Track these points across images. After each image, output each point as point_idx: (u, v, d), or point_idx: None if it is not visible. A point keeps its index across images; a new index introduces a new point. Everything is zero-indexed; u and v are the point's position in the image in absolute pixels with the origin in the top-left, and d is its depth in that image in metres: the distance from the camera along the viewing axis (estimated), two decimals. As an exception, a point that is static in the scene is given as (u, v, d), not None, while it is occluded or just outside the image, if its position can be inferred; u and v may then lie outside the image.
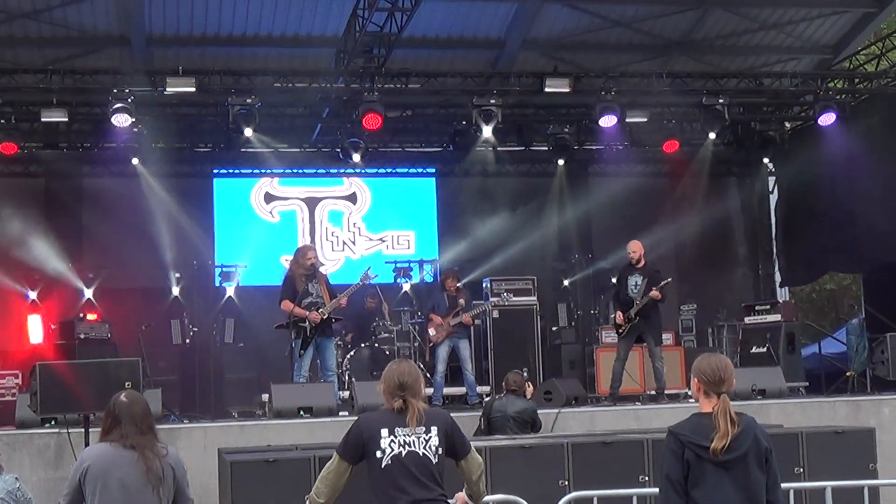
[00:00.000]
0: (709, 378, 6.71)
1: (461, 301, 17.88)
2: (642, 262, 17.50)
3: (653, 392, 17.71)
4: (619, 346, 17.55)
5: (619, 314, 17.37)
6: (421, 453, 7.14)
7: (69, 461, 12.40)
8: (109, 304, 21.12)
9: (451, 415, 7.64)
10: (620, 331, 17.40)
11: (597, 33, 22.30)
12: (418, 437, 7.17)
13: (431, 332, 17.87)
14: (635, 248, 17.53)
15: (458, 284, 18.32)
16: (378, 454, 7.11)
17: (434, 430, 7.23)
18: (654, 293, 17.04)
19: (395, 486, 7.06)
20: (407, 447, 7.13)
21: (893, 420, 14.81)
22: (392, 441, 7.13)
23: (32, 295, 21.31)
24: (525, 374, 15.15)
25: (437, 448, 7.20)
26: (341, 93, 20.22)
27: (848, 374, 19.95)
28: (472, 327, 18.38)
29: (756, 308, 20.91)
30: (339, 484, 7.29)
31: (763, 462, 6.68)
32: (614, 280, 22.74)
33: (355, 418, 7.77)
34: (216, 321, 21.46)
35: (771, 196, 25.50)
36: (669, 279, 17.50)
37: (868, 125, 21.77)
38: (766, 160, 24.76)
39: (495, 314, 19.83)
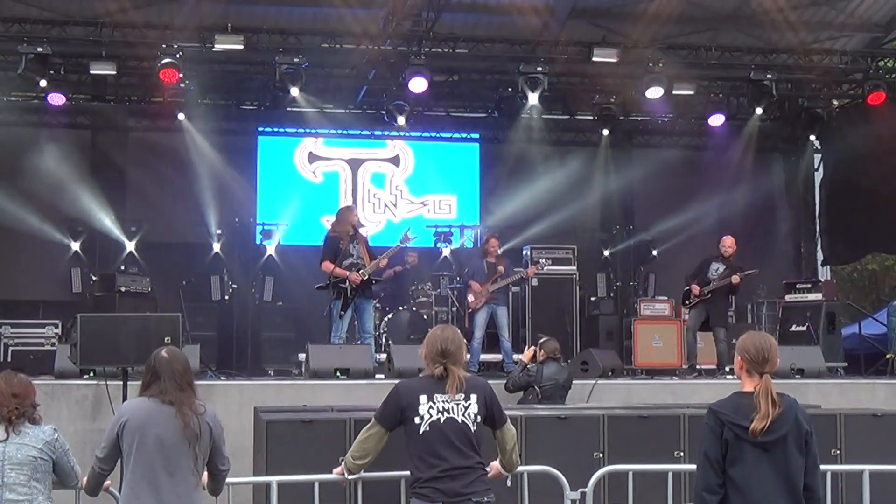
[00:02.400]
0: (752, 357, 6.66)
1: (500, 268, 17.88)
2: (730, 255, 18.05)
3: (704, 365, 17.96)
4: (690, 317, 18.23)
5: (696, 287, 17.83)
6: (460, 420, 7.15)
7: (106, 413, 12.46)
8: (150, 258, 21.24)
9: (490, 382, 7.64)
10: (688, 302, 18.01)
11: (646, 4, 22.10)
12: (457, 405, 7.18)
13: (470, 298, 17.88)
14: (731, 245, 18.10)
15: (498, 252, 18.30)
16: (416, 420, 7.13)
17: (473, 398, 7.24)
18: (736, 278, 17.64)
19: (432, 453, 7.08)
20: (446, 414, 7.14)
21: (932, 404, 14.72)
22: (431, 407, 7.14)
23: (75, 246, 21.47)
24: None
25: (475, 416, 7.21)
26: (388, 55, 20.19)
27: (888, 356, 19.83)
28: (510, 295, 18.47)
29: (797, 286, 20.84)
30: (377, 449, 7.32)
31: (803, 444, 6.61)
32: (656, 252, 22.91)
33: (392, 382, 7.78)
34: (255, 279, 21.54)
35: (816, 174, 25.35)
36: (757, 270, 17.79)
37: (916, 105, 21.62)
38: (812, 137, 24.61)
39: (534, 282, 19.76)
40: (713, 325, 17.88)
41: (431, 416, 7.12)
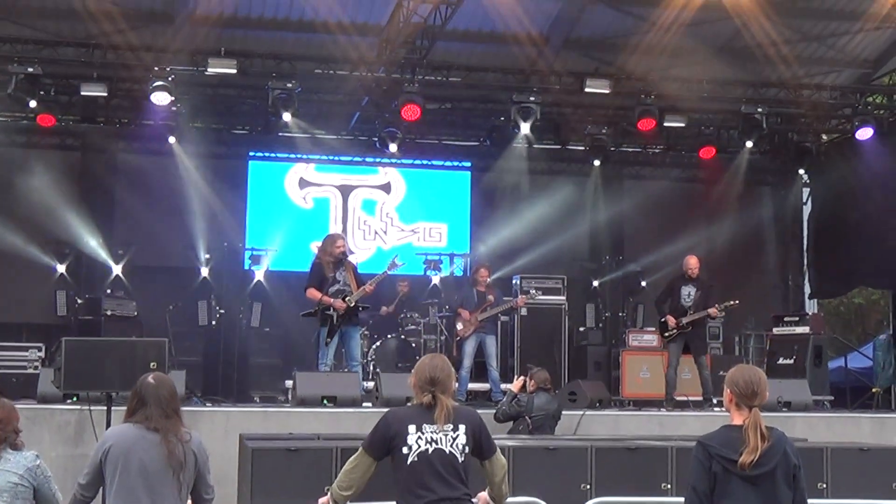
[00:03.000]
0: (742, 390, 6.66)
1: (490, 297, 17.88)
2: (697, 274, 17.75)
3: (691, 397, 17.75)
4: (669, 354, 17.74)
5: (672, 318, 17.51)
6: (448, 451, 7.11)
7: (89, 439, 12.40)
8: (137, 282, 21.18)
9: (479, 412, 7.61)
10: (667, 335, 17.62)
11: (639, 36, 22.19)
12: (446, 435, 7.13)
13: (459, 326, 17.86)
14: (695, 265, 17.80)
15: (488, 281, 18.30)
16: (404, 450, 7.08)
17: (462, 428, 7.20)
18: (714, 311, 17.47)
19: (420, 484, 7.03)
20: (434, 444, 7.10)
21: (918, 440, 14.73)
22: (419, 438, 7.09)
23: (61, 268, 21.39)
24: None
25: (463, 447, 7.17)
26: (382, 82, 20.22)
27: (874, 390, 19.87)
28: (498, 324, 18.46)
29: (785, 319, 20.91)
30: (364, 478, 7.27)
31: (791, 478, 6.62)
32: (644, 283, 22.87)
33: (380, 410, 7.74)
34: (243, 304, 21.47)
35: (804, 207, 25.44)
36: (737, 301, 17.66)
37: (903, 141, 21.74)
38: (801, 171, 24.74)
39: (523, 311, 19.76)
40: (695, 353, 17.65)
41: (420, 446, 7.07)
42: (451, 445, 7.14)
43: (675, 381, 17.56)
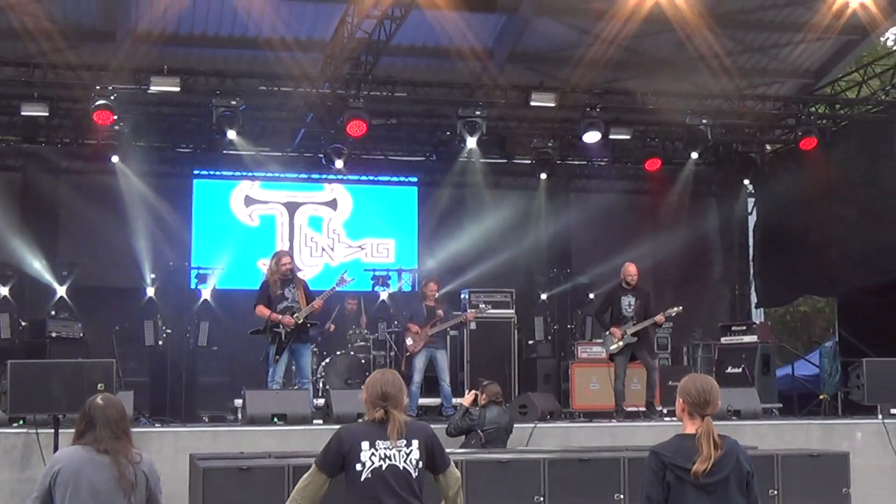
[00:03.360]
0: (694, 399, 6.66)
1: (439, 312, 17.85)
2: (636, 283, 17.68)
3: (641, 408, 17.65)
4: (616, 366, 17.53)
5: (617, 330, 17.35)
6: (401, 467, 7.05)
7: (37, 463, 12.25)
8: (82, 303, 20.97)
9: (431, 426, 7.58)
10: (614, 347, 17.40)
11: (583, 49, 22.27)
12: (399, 451, 7.08)
13: (409, 341, 17.81)
14: (634, 272, 17.70)
15: (437, 294, 18.28)
16: (358, 467, 7.02)
17: (415, 443, 7.15)
18: (661, 318, 17.39)
19: (374, 500, 6.97)
20: (388, 460, 7.04)
21: (866, 444, 14.80)
22: (373, 454, 7.03)
23: (4, 290, 21.10)
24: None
25: (417, 461, 7.12)
26: (326, 98, 20.17)
27: (821, 396, 19.99)
28: (447, 339, 18.43)
29: (733, 328, 21.00)
30: (317, 496, 7.20)
31: (744, 486, 6.64)
32: (592, 295, 22.89)
33: (331, 427, 7.68)
34: (190, 324, 21.30)
35: (750, 217, 25.60)
36: (681, 307, 17.62)
37: (846, 150, 21.98)
38: (746, 182, 24.91)
39: (472, 325, 19.75)
40: (644, 360, 17.53)
41: (373, 462, 7.02)
42: (405, 461, 7.08)
43: (624, 392, 17.50)
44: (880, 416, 14.90)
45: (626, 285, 17.65)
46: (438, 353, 17.70)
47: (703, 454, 6.50)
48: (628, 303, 17.48)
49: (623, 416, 17.16)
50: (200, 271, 22.11)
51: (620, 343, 17.31)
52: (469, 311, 18.98)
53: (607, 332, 17.53)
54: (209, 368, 20.61)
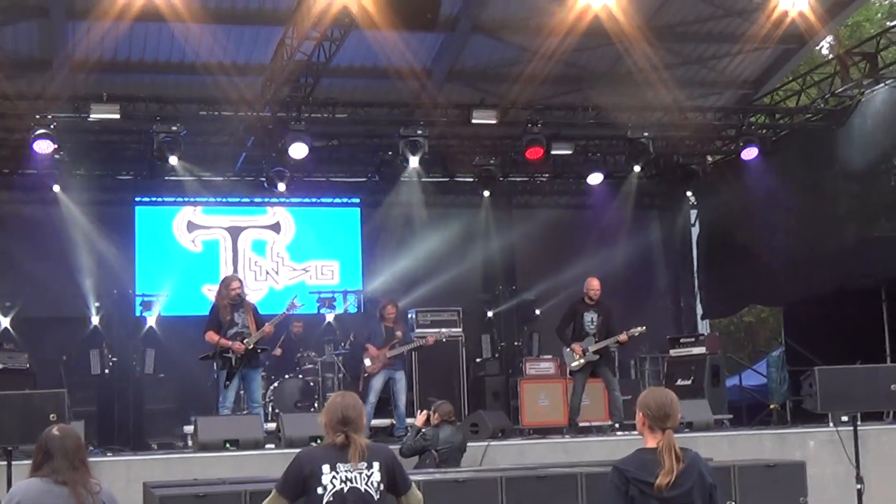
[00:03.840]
0: (654, 413, 6.66)
1: (398, 333, 17.81)
2: (599, 298, 17.56)
3: (609, 423, 17.61)
4: (575, 381, 17.45)
5: (579, 347, 17.23)
6: (363, 490, 7.02)
7: (-10, 498, 12.09)
8: (27, 334, 20.72)
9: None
10: (575, 364, 17.30)
11: (522, 65, 22.33)
12: (360, 473, 7.05)
13: (367, 362, 17.73)
14: (597, 287, 17.55)
15: (395, 316, 18.21)
16: (319, 490, 6.97)
17: (376, 465, 7.12)
18: (624, 337, 17.35)
19: (337, 524, 6.95)
20: (349, 483, 7.00)
21: (819, 453, 14.87)
22: (334, 477, 6.99)
23: (-54, 323, 20.90)
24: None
25: (378, 484, 7.09)
26: (267, 122, 20.11)
27: (772, 406, 20.09)
28: (404, 360, 18.38)
29: (681, 341, 21.07)
30: (278, 522, 7.15)
31: (707, 498, 6.67)
32: (538, 311, 22.92)
33: (284, 452, 7.62)
34: (136, 351, 21.12)
35: (693, 229, 25.71)
36: (644, 329, 17.59)
37: (787, 159, 22.13)
38: (688, 193, 25.03)
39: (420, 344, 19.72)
40: (606, 376, 17.50)
41: (335, 486, 6.98)
42: (367, 483, 7.05)
43: (580, 407, 17.47)
44: (831, 424, 14.97)
45: (589, 300, 17.53)
46: (397, 375, 17.67)
47: (666, 467, 6.50)
48: (591, 319, 17.39)
49: (575, 432, 17.14)
50: (145, 298, 21.96)
51: (581, 360, 17.22)
52: (430, 334, 18.88)
53: (568, 349, 17.40)
54: (156, 396, 20.43)
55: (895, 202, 20.01)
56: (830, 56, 27.22)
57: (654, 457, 6.58)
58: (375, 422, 17.89)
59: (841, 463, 13.70)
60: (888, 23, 29.19)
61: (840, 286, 20.27)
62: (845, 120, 21.12)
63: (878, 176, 20.38)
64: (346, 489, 6.99)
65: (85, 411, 18.68)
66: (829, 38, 30.81)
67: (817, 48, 29.32)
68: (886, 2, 35.70)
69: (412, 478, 7.67)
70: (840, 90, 20.75)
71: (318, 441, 12.09)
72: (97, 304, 21.38)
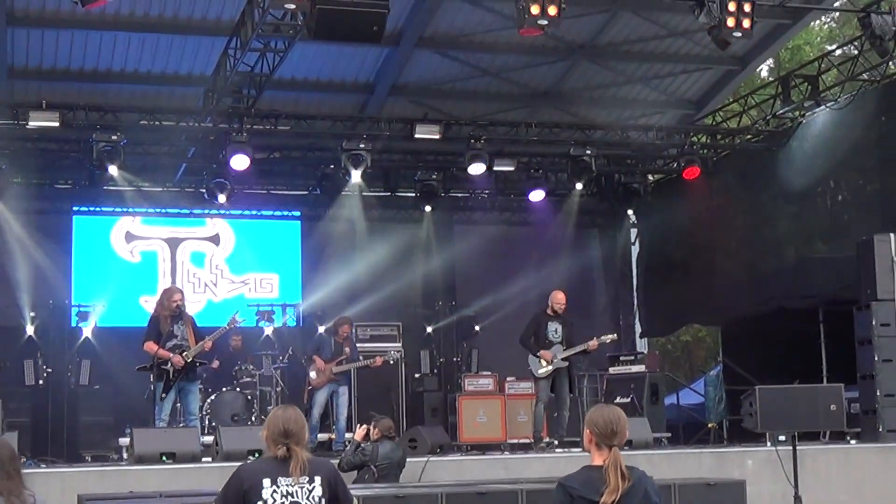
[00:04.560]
0: (601, 430, 6.61)
1: (347, 349, 17.72)
2: (563, 310, 17.38)
3: (550, 440, 17.45)
4: (540, 389, 17.13)
5: (546, 353, 16.93)
6: (304, 504, 6.94)
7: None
8: (-40, 344, 20.51)
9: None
10: (542, 371, 16.99)
11: (465, 81, 22.39)
12: (301, 488, 6.95)
13: (313, 374, 17.61)
14: (563, 301, 17.40)
15: (350, 331, 18.13)
16: (259, 504, 6.89)
17: (318, 479, 7.02)
18: (594, 344, 17.26)
19: (278, 538, 6.86)
20: (289, 498, 6.91)
21: (757, 472, 14.87)
22: (274, 491, 6.89)
23: None
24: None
25: (320, 499, 7.00)
26: (209, 132, 20.00)
27: (709, 425, 20.14)
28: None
29: (621, 358, 21.09)
30: (218, 535, 7.05)
31: (652, 517, 6.61)
32: (477, 328, 22.91)
33: (220, 465, 7.51)
34: (71, 362, 20.93)
35: (633, 247, 25.79)
36: (616, 336, 17.51)
37: (727, 180, 22.33)
38: (629, 212, 25.09)
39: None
40: (560, 390, 17.08)
41: (275, 500, 6.87)
42: (308, 498, 6.96)
43: (543, 417, 17.23)
44: (769, 443, 15.02)
45: (552, 312, 17.35)
46: (340, 389, 17.58)
47: (611, 485, 6.45)
48: (555, 329, 17.18)
49: (545, 447, 16.90)
50: (81, 309, 21.77)
51: (550, 367, 16.92)
52: (378, 355, 18.73)
53: (536, 355, 17.02)
54: (91, 407, 20.27)
55: (832, 224, 20.18)
56: (771, 78, 27.47)
57: (600, 474, 6.52)
58: (320, 436, 17.80)
59: (779, 482, 13.76)
60: (828, 47, 29.46)
61: (778, 306, 20.38)
62: (785, 142, 21.31)
63: (816, 198, 20.56)
64: (286, 503, 6.90)
65: (18, 422, 18.46)
66: (770, 62, 31.11)
67: (758, 70, 29.56)
68: (826, 26, 36.03)
69: (355, 492, 7.61)
70: (780, 112, 20.91)
71: (257, 455, 12.00)
72: (32, 314, 21.16)
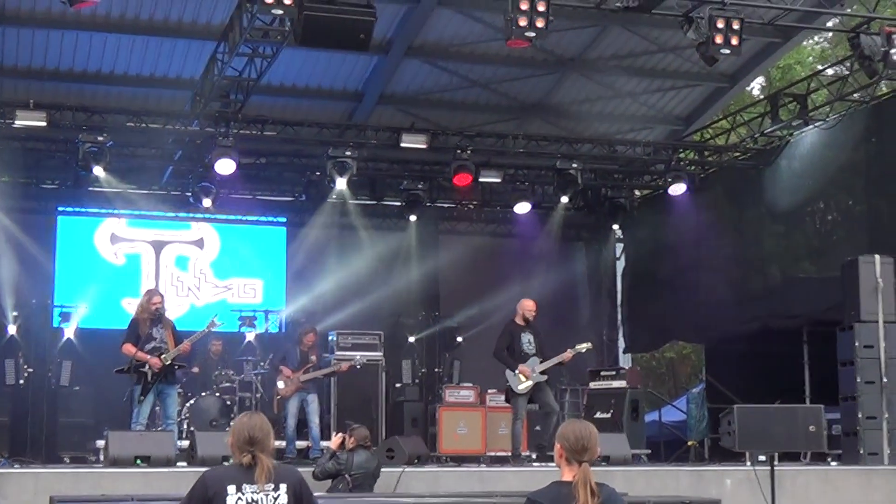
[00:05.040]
0: (571, 445, 6.54)
1: (313, 357, 17.66)
2: (534, 318, 17.00)
3: (528, 454, 17.33)
4: (518, 407, 16.67)
5: (526, 368, 16.40)
6: (269, 512, 6.89)
7: None
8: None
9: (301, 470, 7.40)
10: (522, 388, 16.48)
11: (454, 92, 22.41)
12: (267, 495, 6.90)
13: (280, 384, 17.57)
14: (533, 307, 16.99)
15: (315, 339, 18.06)
16: (224, 511, 6.83)
17: (283, 487, 6.97)
18: (569, 355, 16.86)
19: (241, 546, 6.80)
20: (255, 505, 6.87)
21: (735, 491, 14.82)
22: (239, 499, 6.83)
23: None
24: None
25: (285, 506, 6.96)
26: (195, 136, 19.95)
27: (689, 443, 20.11)
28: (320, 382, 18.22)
29: (602, 373, 20.99)
30: (182, 542, 6.99)
31: (623, 535, 6.56)
32: (461, 339, 22.84)
33: (196, 470, 7.45)
34: (52, 363, 20.83)
35: (618, 262, 25.77)
36: (590, 345, 17.35)
37: (714, 197, 22.35)
38: (615, 227, 25.07)
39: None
40: (545, 402, 16.63)
41: (240, 507, 6.83)
42: (273, 505, 6.91)
43: (521, 434, 16.91)
44: (749, 463, 14.98)
45: (524, 322, 16.92)
46: (309, 397, 17.47)
47: (580, 501, 6.39)
48: (528, 340, 16.74)
49: (524, 461, 16.76)
50: (63, 310, 21.64)
51: (529, 382, 16.45)
52: (345, 361, 18.69)
53: (515, 372, 16.51)
54: (71, 409, 20.27)
55: (819, 244, 20.19)
56: (761, 96, 27.46)
57: (569, 490, 6.45)
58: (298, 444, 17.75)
59: (757, 502, 13.73)
60: (819, 66, 29.47)
61: (763, 326, 20.37)
62: (773, 160, 21.31)
63: (803, 217, 20.57)
64: (251, 511, 6.85)
65: (-3, 421, 18.46)
66: (759, 80, 31.13)
67: (748, 88, 29.57)
68: (818, 46, 36.07)
69: (324, 502, 7.54)
70: (769, 130, 20.92)
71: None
72: (14, 314, 21.01)
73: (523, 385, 16.56)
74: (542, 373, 16.68)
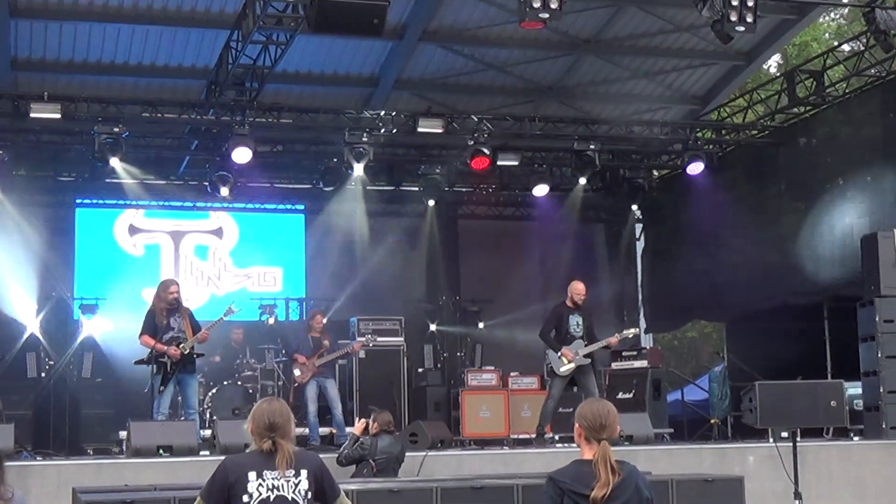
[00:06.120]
0: (590, 424, 6.53)
1: (325, 342, 17.65)
2: (583, 301, 16.86)
3: (551, 436, 17.30)
4: (554, 386, 16.62)
5: (568, 351, 16.36)
6: (290, 498, 6.86)
7: None
8: (-39, 336, 20.44)
9: (322, 456, 7.39)
10: (564, 370, 16.43)
11: (470, 75, 22.32)
12: (287, 481, 6.89)
13: (296, 372, 17.59)
14: (583, 291, 16.86)
15: (324, 321, 18.06)
16: (245, 498, 6.80)
17: (304, 473, 6.96)
18: (615, 341, 16.98)
19: (262, 532, 6.79)
20: (275, 491, 6.84)
21: (758, 468, 14.81)
22: (260, 485, 6.83)
23: None
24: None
25: (306, 492, 6.93)
26: (211, 125, 19.93)
27: (712, 421, 20.06)
28: (336, 367, 18.19)
29: (623, 354, 20.94)
30: (204, 529, 6.98)
31: (643, 512, 6.53)
32: (481, 323, 22.82)
33: (218, 458, 7.44)
34: (74, 355, 20.86)
35: (638, 243, 25.70)
36: (637, 330, 17.25)
37: (733, 176, 22.21)
38: (634, 207, 24.98)
39: (361, 354, 19.59)
40: (587, 386, 16.49)
41: (261, 493, 6.81)
42: (294, 491, 6.89)
43: (552, 414, 16.63)
44: (772, 440, 14.92)
45: (573, 304, 16.79)
46: (328, 383, 17.50)
47: (601, 480, 6.38)
48: (577, 322, 16.62)
49: (547, 442, 16.76)
50: (84, 302, 21.66)
51: (572, 365, 16.37)
52: (357, 341, 18.73)
53: (558, 354, 16.43)
54: (93, 400, 20.25)
55: (838, 220, 20.06)
56: (777, 74, 27.35)
57: (590, 468, 6.45)
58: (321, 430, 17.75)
59: (780, 479, 13.66)
60: (835, 42, 29.35)
61: (783, 303, 20.31)
62: (791, 138, 21.18)
63: (821, 194, 20.44)
64: (272, 497, 6.83)
65: (20, 415, 18.44)
66: (776, 57, 30.98)
67: (765, 66, 29.45)
68: (834, 22, 35.92)
69: (348, 487, 7.53)
70: (786, 107, 20.82)
71: (253, 448, 11.94)
72: (35, 307, 21.07)
73: (565, 367, 16.47)
74: (587, 355, 16.57)
